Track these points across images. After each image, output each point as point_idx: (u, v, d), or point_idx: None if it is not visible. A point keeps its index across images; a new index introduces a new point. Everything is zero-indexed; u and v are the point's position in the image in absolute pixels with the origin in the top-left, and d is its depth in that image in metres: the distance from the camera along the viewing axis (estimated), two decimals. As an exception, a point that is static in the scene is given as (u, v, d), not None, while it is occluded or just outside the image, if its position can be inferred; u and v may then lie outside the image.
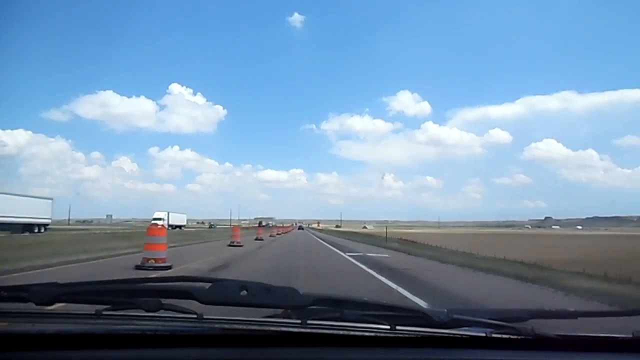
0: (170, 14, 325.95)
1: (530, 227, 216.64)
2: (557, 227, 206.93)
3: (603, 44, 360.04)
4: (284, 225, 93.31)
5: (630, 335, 1.21)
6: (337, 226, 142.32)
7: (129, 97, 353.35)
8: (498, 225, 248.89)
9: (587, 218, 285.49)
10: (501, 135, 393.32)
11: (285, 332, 1.13)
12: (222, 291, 1.16)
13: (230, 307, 1.16)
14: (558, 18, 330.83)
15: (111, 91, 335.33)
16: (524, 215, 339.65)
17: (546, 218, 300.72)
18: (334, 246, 22.67)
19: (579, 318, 1.35)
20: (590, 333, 1.23)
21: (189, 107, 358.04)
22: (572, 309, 1.37)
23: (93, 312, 1.17)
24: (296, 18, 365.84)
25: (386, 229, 34.86)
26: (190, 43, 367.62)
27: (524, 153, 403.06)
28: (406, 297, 6.46)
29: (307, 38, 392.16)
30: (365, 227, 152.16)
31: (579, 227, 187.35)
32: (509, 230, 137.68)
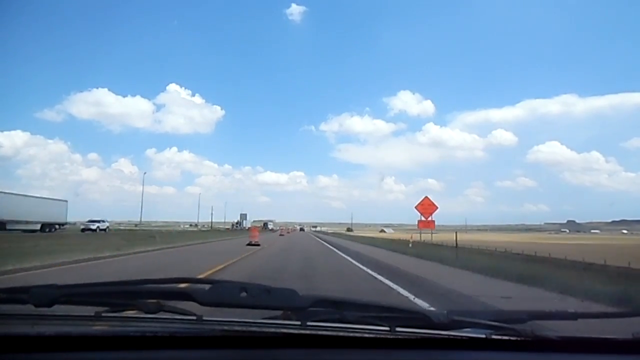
0: (166, 11, 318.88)
1: (568, 231, 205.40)
2: (597, 231, 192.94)
3: (602, 47, 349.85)
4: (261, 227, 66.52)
5: (630, 337, 1.19)
6: (348, 229, 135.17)
7: (124, 96, 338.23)
8: (518, 229, 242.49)
9: (614, 221, 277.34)
10: (505, 137, 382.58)
11: (285, 333, 1.14)
12: (221, 293, 1.18)
13: (230, 309, 1.18)
14: (555, 22, 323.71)
15: (106, 89, 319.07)
16: (534, 219, 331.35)
17: (568, 221, 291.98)
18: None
19: (578, 319, 1.33)
20: (590, 334, 1.22)
21: (186, 107, 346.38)
22: (572, 310, 1.35)
23: (92, 314, 1.19)
24: (294, 9, 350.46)
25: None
26: (187, 41, 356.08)
27: (530, 156, 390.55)
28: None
29: (305, 34, 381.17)
30: (382, 231, 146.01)
31: (624, 231, 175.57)
32: (548, 235, 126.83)
